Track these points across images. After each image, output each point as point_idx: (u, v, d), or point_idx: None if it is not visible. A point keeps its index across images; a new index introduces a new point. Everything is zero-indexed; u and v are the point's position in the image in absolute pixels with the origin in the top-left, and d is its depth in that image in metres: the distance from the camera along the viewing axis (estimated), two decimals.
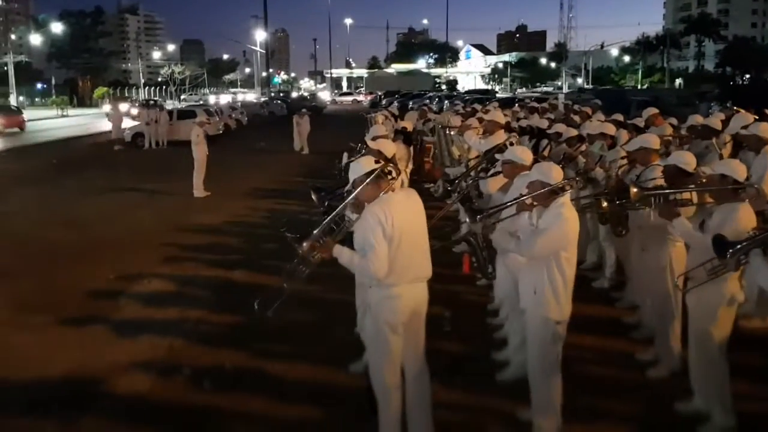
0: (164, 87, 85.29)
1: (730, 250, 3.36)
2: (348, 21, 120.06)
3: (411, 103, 39.62)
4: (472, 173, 6.22)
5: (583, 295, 6.79)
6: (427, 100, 40.89)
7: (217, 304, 6.95)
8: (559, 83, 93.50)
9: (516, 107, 15.93)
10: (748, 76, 63.52)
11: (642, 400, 4.73)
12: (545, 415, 4.09)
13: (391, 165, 5.69)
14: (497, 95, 51.10)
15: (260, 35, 70.26)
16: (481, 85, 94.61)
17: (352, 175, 3.85)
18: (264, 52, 67.43)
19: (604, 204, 5.13)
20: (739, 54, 70.79)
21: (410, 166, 9.18)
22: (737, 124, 6.43)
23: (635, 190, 4.41)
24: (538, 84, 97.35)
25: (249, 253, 9.02)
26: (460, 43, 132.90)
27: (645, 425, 4.43)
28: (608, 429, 4.41)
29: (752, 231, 3.51)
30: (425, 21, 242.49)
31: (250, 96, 67.14)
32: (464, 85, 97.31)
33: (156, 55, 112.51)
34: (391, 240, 3.66)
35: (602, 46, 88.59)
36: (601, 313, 6.38)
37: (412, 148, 9.55)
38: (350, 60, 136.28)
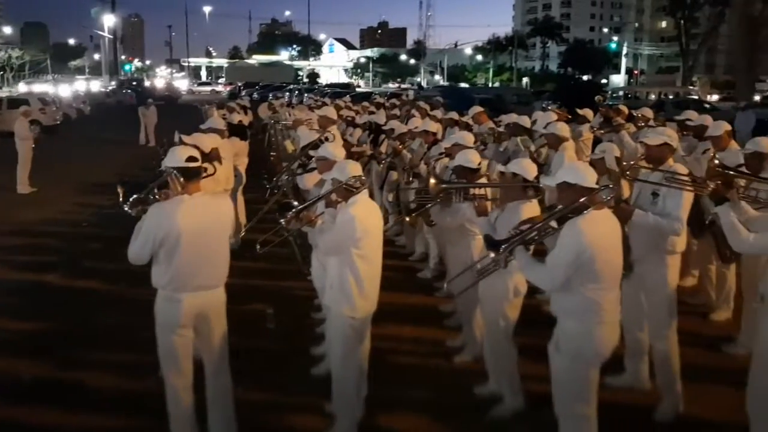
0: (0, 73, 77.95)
1: (502, 246, 3.59)
2: (207, 8, 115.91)
3: (271, 95, 39.11)
4: (291, 168, 6.22)
5: (408, 286, 7.15)
6: (287, 93, 40.62)
7: (24, 310, 6.46)
8: (418, 79, 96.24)
9: (366, 103, 16.17)
10: (586, 76, 68.87)
11: (446, 385, 4.97)
12: (344, 407, 4.18)
13: (206, 163, 5.61)
14: (357, 89, 51.71)
15: (109, 19, 65.79)
16: (344, 79, 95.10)
17: (169, 163, 3.78)
18: (112, 37, 63.40)
19: (407, 219, 5.33)
20: (578, 55, 76.56)
21: (246, 160, 9.04)
22: (542, 122, 6.94)
23: (433, 182, 4.59)
24: (398, 79, 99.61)
25: (69, 253, 8.46)
26: (323, 36, 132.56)
27: (445, 409, 4.64)
28: (410, 416, 4.56)
29: (514, 230, 3.74)
30: (288, 12, 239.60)
31: (97, 84, 62.66)
32: (327, 78, 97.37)
33: None
34: (164, 246, 3.66)
35: (456, 45, 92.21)
36: (422, 302, 6.65)
37: (248, 143, 9.39)
38: (211, 49, 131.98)
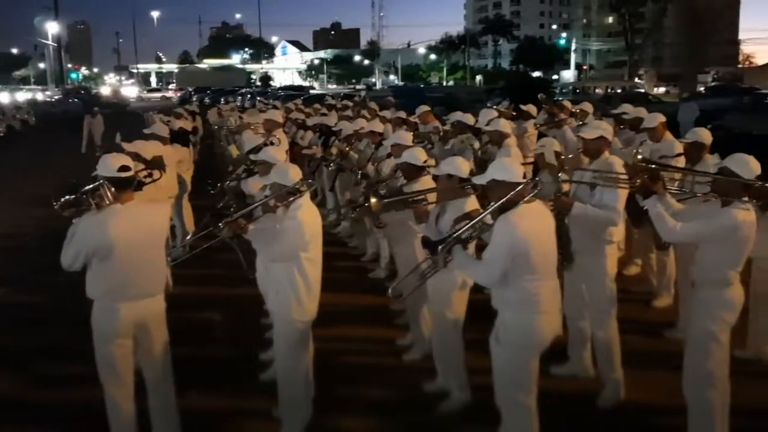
0: None
1: (440, 247, 3.63)
2: (155, 14, 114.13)
3: (222, 99, 38.68)
4: (235, 174, 6.18)
5: (361, 286, 7.17)
6: (240, 97, 40.17)
7: None
8: (373, 80, 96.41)
9: (318, 105, 16.15)
10: (537, 73, 69.97)
11: (396, 383, 5.00)
12: (291, 410, 4.18)
13: (147, 169, 5.53)
14: (312, 92, 51.43)
15: (53, 27, 64.05)
16: (298, 82, 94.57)
17: (101, 172, 3.74)
18: (57, 45, 61.77)
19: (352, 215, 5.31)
20: (529, 53, 77.72)
21: (190, 167, 8.93)
22: (484, 119, 7.04)
23: (374, 200, 4.50)
24: (353, 81, 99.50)
25: (15, 269, 8.24)
26: (275, 39, 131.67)
27: (395, 408, 4.68)
28: (360, 415, 4.59)
29: (450, 229, 3.80)
30: (238, 16, 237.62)
31: (41, 95, 61.00)
32: (281, 81, 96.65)
33: None
34: (96, 257, 3.65)
35: (409, 45, 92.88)
36: (374, 302, 6.65)
37: (193, 151, 9.27)
38: (161, 55, 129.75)
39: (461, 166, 4.26)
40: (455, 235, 3.64)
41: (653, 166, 4.11)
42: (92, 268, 3.70)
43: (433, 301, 4.61)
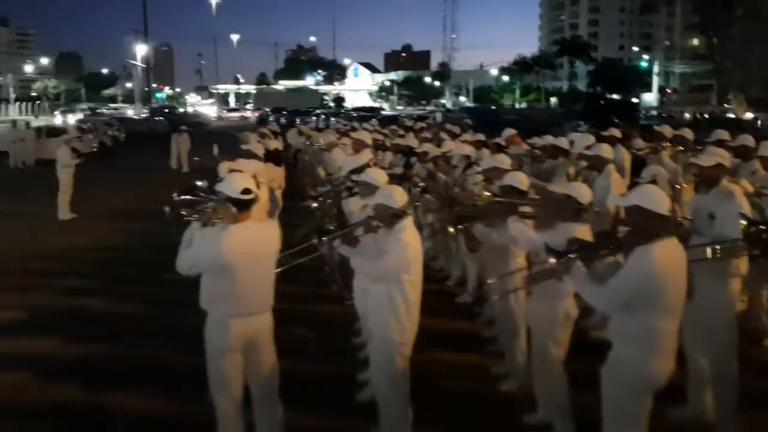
0: (36, 102, 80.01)
1: (567, 255, 3.52)
2: (235, 37, 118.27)
3: (298, 119, 39.59)
4: (334, 193, 6.22)
5: (447, 311, 7.05)
6: (314, 117, 41.05)
7: (68, 334, 6.52)
8: (444, 101, 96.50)
9: (394, 126, 16.25)
10: (615, 96, 68.26)
11: (493, 413, 4.87)
12: (393, 429, 4.12)
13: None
14: (383, 113, 51.99)
15: (141, 49, 67.45)
16: (369, 102, 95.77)
17: (225, 191, 3.81)
18: (144, 66, 64.87)
19: (451, 229, 5.28)
20: (606, 75, 75.85)
21: (283, 186, 9.08)
22: (581, 144, 6.85)
23: (486, 194, 4.54)
24: (423, 102, 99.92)
25: (109, 279, 8.54)
26: (347, 60, 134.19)
27: None
28: None
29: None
30: (313, 38, 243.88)
31: (130, 112, 64.13)
32: (353, 102, 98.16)
33: (29, 68, 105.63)
34: (210, 273, 3.74)
35: (481, 66, 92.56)
36: (462, 327, 6.56)
37: (284, 168, 9.44)
38: (239, 76, 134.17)
39: (583, 191, 4.22)
40: (583, 250, 3.51)
41: None
42: (207, 280, 3.81)
43: (534, 333, 4.47)
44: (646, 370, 3.43)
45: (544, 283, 4.15)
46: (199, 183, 4.43)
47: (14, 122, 28.56)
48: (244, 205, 3.80)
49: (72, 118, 41.39)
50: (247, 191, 3.79)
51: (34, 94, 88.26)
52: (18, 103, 77.89)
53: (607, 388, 3.56)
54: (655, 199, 3.38)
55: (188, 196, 4.26)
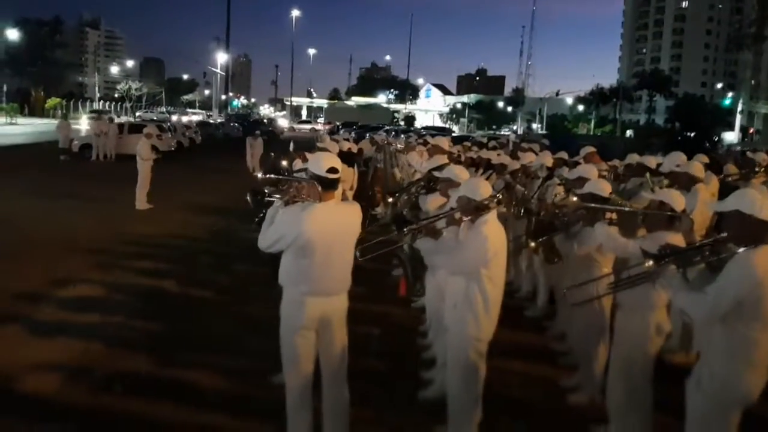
0: (119, 103, 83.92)
1: (666, 259, 3.38)
2: (312, 51, 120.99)
3: (368, 135, 39.92)
4: (413, 189, 6.21)
5: (516, 323, 6.90)
6: (383, 133, 41.35)
7: (142, 311, 6.77)
8: (515, 127, 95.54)
9: (467, 143, 16.16)
10: (693, 133, 65.96)
11: (559, 424, 4.72)
12: (461, 427, 4.03)
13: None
14: (453, 134, 51.89)
15: (221, 57, 69.88)
16: (439, 123, 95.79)
17: (312, 169, 3.84)
18: (224, 74, 67.07)
19: (532, 244, 5.18)
20: (687, 111, 73.39)
21: (354, 187, 9.15)
22: (671, 161, 6.61)
23: (573, 199, 4.44)
24: (494, 126, 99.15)
25: (183, 264, 8.78)
26: (420, 81, 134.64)
27: None
28: None
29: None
30: (388, 57, 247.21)
31: (206, 118, 66.44)
32: (423, 122, 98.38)
33: (114, 70, 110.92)
34: (292, 248, 3.73)
35: (557, 94, 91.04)
36: (531, 340, 6.40)
37: (357, 172, 9.52)
38: (312, 90, 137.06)
39: (677, 199, 4.11)
40: (681, 255, 3.37)
41: None
42: (287, 257, 3.80)
43: (621, 347, 4.23)
44: (737, 385, 3.24)
45: (634, 294, 4.01)
46: (284, 163, 4.49)
47: (99, 114, 29.86)
48: (329, 184, 3.80)
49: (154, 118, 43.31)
50: (333, 170, 3.80)
51: (117, 95, 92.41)
52: (102, 102, 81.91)
53: (694, 404, 3.38)
54: (756, 203, 3.20)
55: (273, 175, 4.30)
